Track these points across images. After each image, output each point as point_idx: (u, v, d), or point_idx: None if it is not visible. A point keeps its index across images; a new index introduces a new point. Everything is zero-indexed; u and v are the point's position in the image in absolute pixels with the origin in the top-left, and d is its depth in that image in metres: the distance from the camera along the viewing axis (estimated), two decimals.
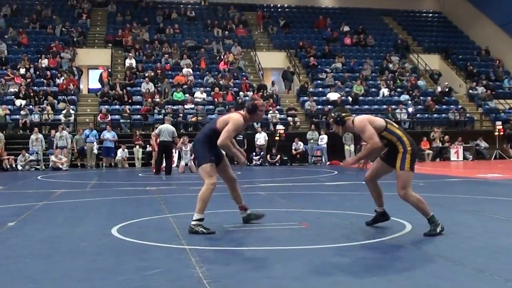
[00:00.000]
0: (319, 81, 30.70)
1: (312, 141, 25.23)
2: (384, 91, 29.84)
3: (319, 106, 27.98)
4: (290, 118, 27.05)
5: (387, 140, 6.40)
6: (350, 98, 28.62)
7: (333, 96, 28.45)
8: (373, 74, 31.89)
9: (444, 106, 29.59)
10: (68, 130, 24.06)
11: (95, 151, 23.49)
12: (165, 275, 4.69)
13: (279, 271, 4.78)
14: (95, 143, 23.44)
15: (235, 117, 6.66)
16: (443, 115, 28.99)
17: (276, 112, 26.89)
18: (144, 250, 5.75)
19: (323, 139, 25.08)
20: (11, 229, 7.30)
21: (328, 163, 24.59)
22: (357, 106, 28.18)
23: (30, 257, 5.51)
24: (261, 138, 24.67)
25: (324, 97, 28.84)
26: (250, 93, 28.30)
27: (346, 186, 13.55)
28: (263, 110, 6.82)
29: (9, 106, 25.50)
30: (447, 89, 31.00)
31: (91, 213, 8.85)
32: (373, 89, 30.28)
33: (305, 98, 28.76)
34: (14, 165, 22.29)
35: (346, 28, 36.18)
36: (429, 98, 29.56)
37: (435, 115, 28.86)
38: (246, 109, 6.78)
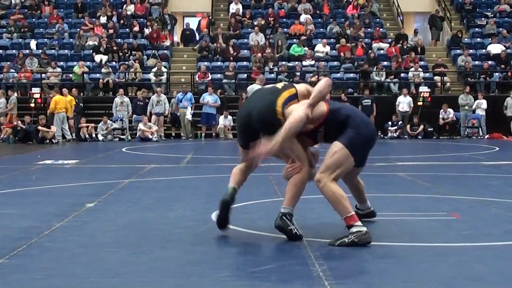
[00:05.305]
0: (477, 29, 29.89)
1: (466, 107, 24.64)
2: None
3: (477, 62, 27.28)
4: (437, 78, 26.52)
5: None
6: None
7: (495, 48, 27.62)
8: None
9: None
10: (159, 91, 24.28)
11: (189, 116, 23.57)
12: (277, 273, 4.72)
13: (421, 274, 4.72)
14: (189, 108, 23.66)
15: None
16: None
17: (420, 69, 26.43)
18: (251, 241, 5.85)
19: (481, 105, 24.44)
20: (90, 211, 7.55)
21: (487, 136, 24.03)
22: None
23: (112, 245, 5.68)
24: (404, 103, 24.28)
25: (484, 50, 28.12)
26: (385, 46, 27.95)
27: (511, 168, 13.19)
28: None
29: (88, 63, 26.30)
30: None
31: (187, 194, 9.05)
32: None
33: (458, 51, 28.10)
34: (93, 135, 23.13)
35: None
36: None
37: None
38: None
